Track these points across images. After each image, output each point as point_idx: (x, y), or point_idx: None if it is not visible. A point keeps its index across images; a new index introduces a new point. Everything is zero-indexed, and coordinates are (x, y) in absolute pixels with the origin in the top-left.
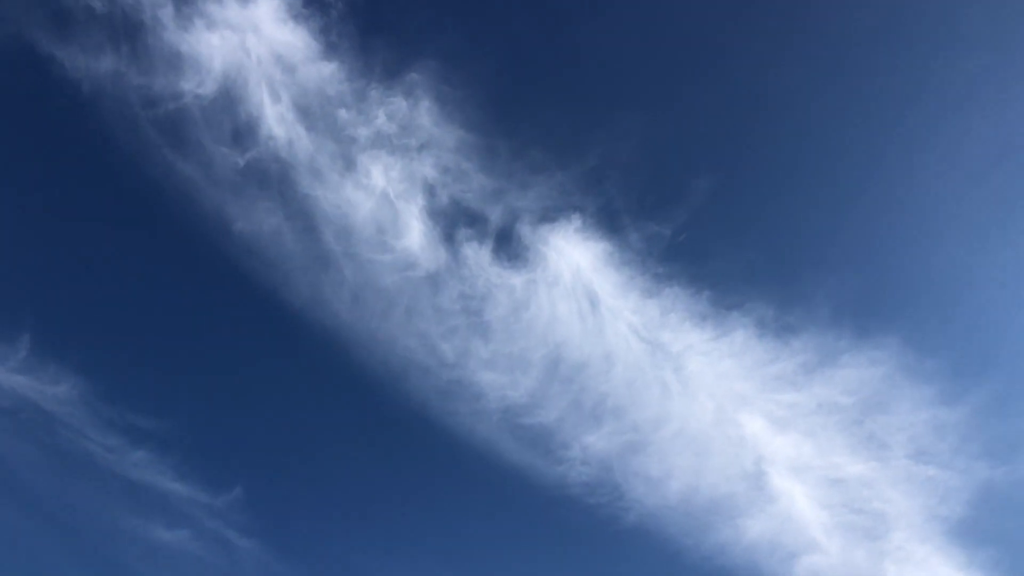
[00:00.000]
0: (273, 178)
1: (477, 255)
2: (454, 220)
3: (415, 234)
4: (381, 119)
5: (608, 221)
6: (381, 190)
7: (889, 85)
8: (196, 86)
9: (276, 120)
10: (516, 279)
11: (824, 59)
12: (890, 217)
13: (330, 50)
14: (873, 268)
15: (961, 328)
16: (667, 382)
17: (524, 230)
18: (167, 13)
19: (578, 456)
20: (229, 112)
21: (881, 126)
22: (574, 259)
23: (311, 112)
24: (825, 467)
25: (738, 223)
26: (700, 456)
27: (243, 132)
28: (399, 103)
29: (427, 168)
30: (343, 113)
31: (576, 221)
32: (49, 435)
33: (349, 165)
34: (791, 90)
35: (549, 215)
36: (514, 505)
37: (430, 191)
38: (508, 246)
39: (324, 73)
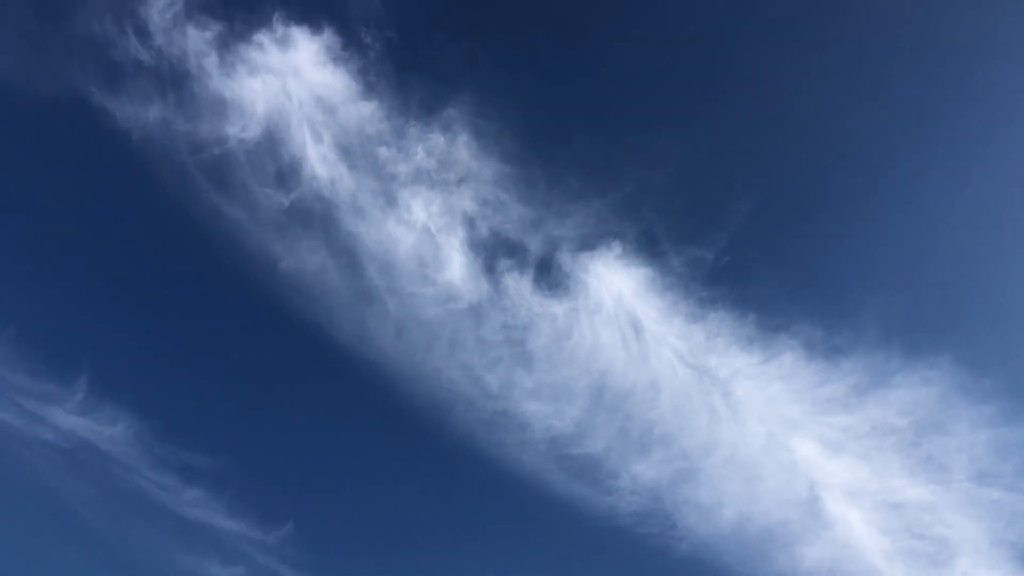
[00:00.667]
0: (317, 217)
1: (518, 285)
2: (494, 251)
3: (456, 267)
4: (420, 155)
5: (648, 246)
6: (422, 224)
7: (934, 95)
8: (240, 130)
9: (318, 160)
10: (558, 308)
11: (863, 72)
12: (937, 230)
13: (369, 90)
14: (921, 284)
15: (1018, 343)
16: (715, 408)
17: (564, 258)
18: (211, 61)
19: (627, 486)
20: (273, 154)
21: (927, 137)
22: (616, 286)
23: (352, 151)
24: (883, 491)
25: (780, 244)
26: (752, 482)
27: (287, 173)
28: (437, 138)
29: (466, 201)
30: (383, 151)
31: (616, 248)
32: (106, 474)
33: (390, 201)
34: (828, 106)
35: (589, 243)
36: (564, 536)
37: (470, 223)
38: (549, 275)
39: (364, 113)
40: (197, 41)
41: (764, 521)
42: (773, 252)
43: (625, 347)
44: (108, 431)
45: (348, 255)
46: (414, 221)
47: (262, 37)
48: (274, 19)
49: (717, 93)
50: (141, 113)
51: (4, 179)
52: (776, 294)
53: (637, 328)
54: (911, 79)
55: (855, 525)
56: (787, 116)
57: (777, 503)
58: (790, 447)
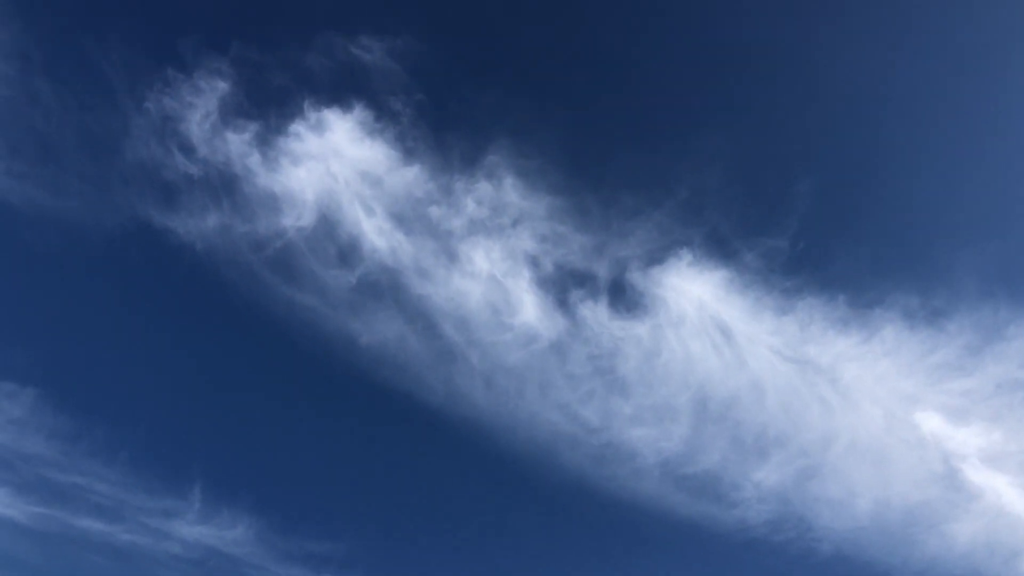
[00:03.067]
0: (385, 287)
1: (595, 313)
2: (563, 284)
3: (529, 307)
4: (471, 206)
5: (719, 247)
6: (487, 273)
7: (1003, 31)
8: (296, 220)
9: (375, 232)
10: (640, 328)
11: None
12: (1020, 173)
13: (409, 155)
14: (1013, 229)
15: None
16: (825, 397)
17: (635, 277)
18: (255, 160)
19: (752, 495)
20: (331, 236)
21: (992, 76)
22: (694, 294)
23: (405, 217)
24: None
25: (854, 216)
26: (882, 467)
27: (348, 251)
28: (484, 187)
29: (525, 241)
30: (435, 210)
31: (686, 256)
32: None
33: (452, 257)
34: (875, 64)
35: (656, 256)
36: (696, 559)
37: (533, 262)
38: (624, 297)
39: (408, 178)
40: (238, 144)
41: (903, 504)
42: (848, 226)
43: (718, 354)
44: (230, 535)
45: (422, 318)
46: (478, 271)
47: (297, 127)
48: (305, 107)
49: (753, 80)
50: (200, 224)
51: (89, 313)
52: (862, 269)
53: (726, 332)
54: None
55: (1003, 492)
56: (832, 85)
57: (913, 483)
58: (913, 423)
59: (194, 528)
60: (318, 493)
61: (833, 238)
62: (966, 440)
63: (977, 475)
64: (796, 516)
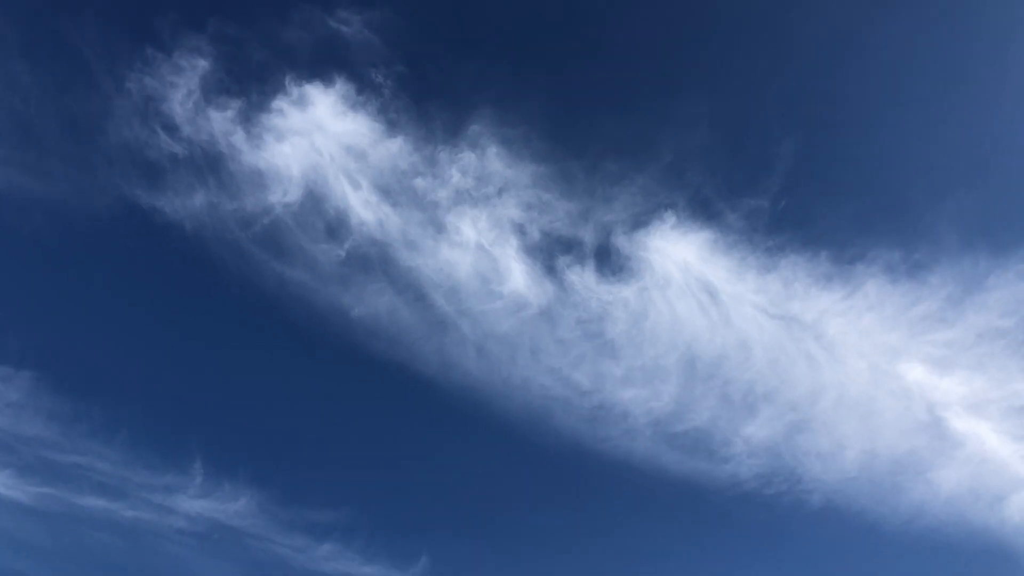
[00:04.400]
0: (374, 260)
1: (582, 278)
2: (550, 251)
3: (518, 275)
4: (456, 177)
5: (702, 209)
6: (475, 243)
7: None
8: (282, 196)
9: (362, 206)
10: (627, 291)
11: None
12: (992, 123)
13: (392, 127)
14: (992, 178)
15: None
16: (811, 353)
17: (621, 241)
18: (239, 138)
19: (743, 450)
20: (318, 211)
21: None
22: (679, 256)
23: (391, 189)
24: (1006, 397)
25: (835, 173)
26: (868, 418)
27: (335, 226)
28: (468, 157)
29: (511, 209)
30: (420, 181)
31: (670, 218)
32: (242, 549)
33: (439, 228)
34: (855, 27)
35: (641, 220)
36: (690, 515)
37: (520, 230)
38: (610, 261)
39: (392, 150)
40: (221, 122)
41: (890, 454)
42: (829, 184)
43: (704, 314)
44: (233, 507)
45: (412, 289)
46: (466, 241)
47: (280, 103)
48: (286, 82)
49: (732, 41)
50: (188, 203)
51: (81, 295)
52: (843, 225)
53: (711, 292)
54: None
55: (986, 438)
56: (811, 44)
57: (899, 433)
58: (898, 374)
59: (196, 502)
60: (317, 464)
61: (815, 196)
62: (949, 389)
63: (961, 423)
64: (786, 469)
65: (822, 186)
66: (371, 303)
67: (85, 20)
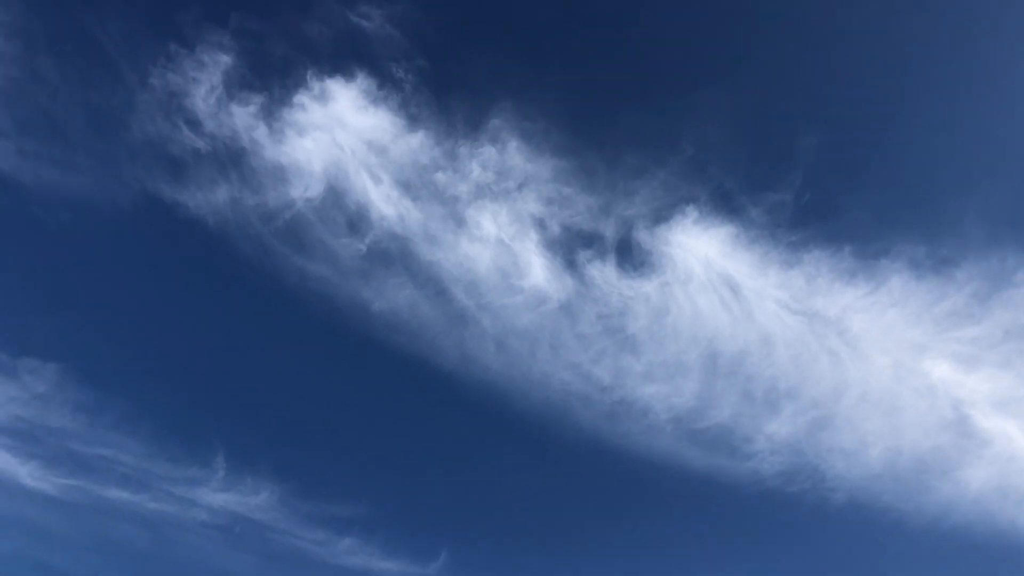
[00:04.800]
0: (395, 255)
1: (603, 273)
2: (571, 246)
3: (538, 269)
4: (476, 171)
5: (724, 203)
6: (495, 237)
7: None
8: (304, 191)
9: (383, 200)
10: (648, 286)
11: None
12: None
13: (413, 122)
14: (1020, 173)
15: None
16: (834, 349)
17: (642, 236)
18: (261, 133)
19: (765, 447)
20: (339, 206)
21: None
22: (700, 251)
23: (412, 184)
24: None
25: (859, 167)
26: (892, 416)
27: (356, 220)
28: (488, 151)
29: (531, 204)
30: (440, 176)
31: (691, 213)
32: (263, 542)
33: (459, 223)
34: (880, 18)
35: (662, 214)
36: (712, 512)
37: (540, 225)
38: (631, 256)
39: (413, 144)
40: (243, 117)
41: (915, 452)
42: (853, 178)
43: (726, 309)
44: (254, 501)
45: (433, 284)
46: (486, 236)
47: (301, 97)
48: (308, 77)
49: (754, 33)
50: (210, 197)
51: (106, 288)
52: (867, 220)
53: (734, 288)
54: None
55: (1014, 436)
56: (835, 36)
57: (924, 431)
58: (923, 371)
59: (219, 495)
60: (338, 458)
61: (838, 190)
62: (976, 387)
63: (987, 421)
64: (810, 467)
65: (846, 180)
66: (391, 297)
67: (110, 16)
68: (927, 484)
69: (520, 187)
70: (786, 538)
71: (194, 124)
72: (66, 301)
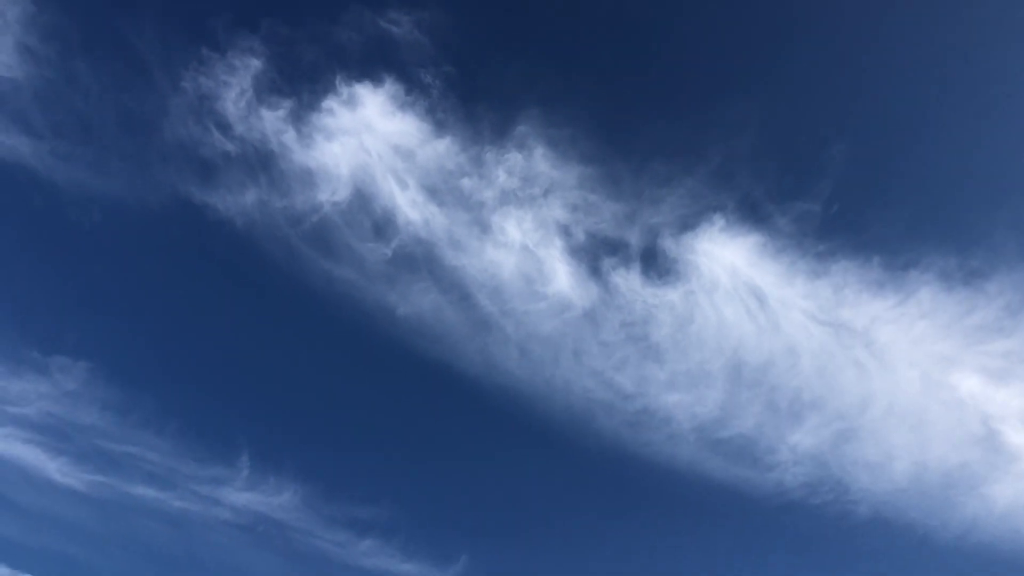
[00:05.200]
0: (420, 259)
1: (627, 281)
2: (596, 253)
3: (562, 276)
4: (502, 177)
5: (751, 212)
6: (520, 243)
7: None
8: (331, 195)
9: (409, 205)
10: (673, 295)
11: None
12: None
13: (440, 127)
14: None
15: None
16: (861, 361)
17: (668, 244)
18: (290, 137)
19: (788, 458)
20: (366, 210)
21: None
22: (727, 259)
23: (438, 189)
24: None
25: (888, 177)
26: (919, 429)
27: (383, 224)
28: (515, 157)
29: (557, 211)
30: (466, 182)
31: (718, 221)
32: (285, 542)
33: (484, 228)
34: (910, 29)
35: (688, 223)
36: (734, 523)
37: (565, 231)
38: (656, 264)
39: (440, 150)
40: (273, 121)
41: (942, 467)
42: (883, 188)
43: (752, 319)
44: (277, 501)
45: (457, 289)
46: (511, 242)
47: (330, 102)
48: (337, 82)
49: (783, 42)
50: (239, 200)
51: (136, 288)
52: (896, 230)
53: (759, 297)
54: None
55: None
56: (864, 46)
57: (951, 445)
58: (951, 385)
59: (242, 495)
60: (361, 460)
61: (867, 200)
62: (1006, 401)
63: (1017, 436)
64: (833, 479)
65: (874, 190)
66: (416, 302)
67: (143, 20)
68: (953, 500)
69: (546, 194)
70: (808, 551)
71: (224, 127)
72: (97, 300)
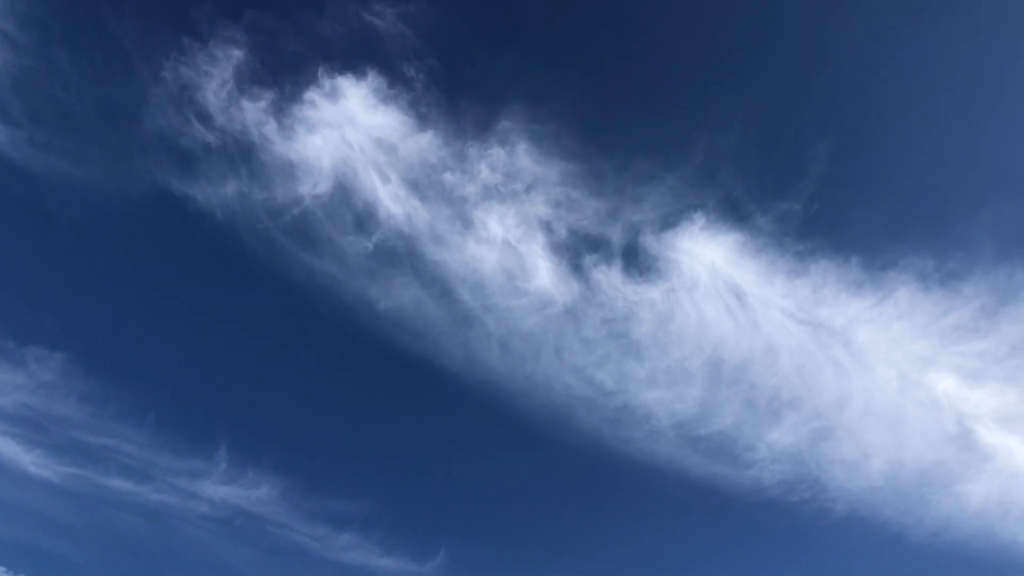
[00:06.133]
0: (401, 254)
1: (608, 278)
2: (577, 249)
3: (544, 272)
4: (485, 172)
5: (732, 211)
6: (501, 239)
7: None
8: (312, 187)
9: (390, 199)
10: (654, 292)
11: None
12: None
13: (423, 121)
14: None
15: None
16: (839, 360)
17: (649, 241)
18: (271, 128)
19: (766, 456)
20: (347, 203)
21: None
22: (707, 258)
23: (420, 183)
24: None
25: (869, 179)
26: (895, 428)
27: (364, 218)
28: (497, 153)
29: (539, 207)
30: (448, 176)
31: (699, 219)
32: (262, 535)
33: (466, 223)
34: (891, 31)
35: (670, 220)
36: (712, 519)
37: (547, 228)
38: (637, 261)
39: (422, 144)
40: (254, 112)
41: (917, 465)
42: (863, 189)
43: (732, 317)
44: (255, 494)
45: (439, 284)
46: (493, 237)
47: (312, 94)
48: (319, 74)
49: (766, 42)
50: (219, 191)
51: (114, 280)
52: (876, 232)
53: (739, 296)
54: None
55: (1017, 452)
56: (845, 44)
57: (927, 444)
58: (927, 384)
59: (220, 488)
60: (340, 454)
61: (847, 201)
62: (980, 401)
63: (991, 436)
64: (810, 477)
65: (855, 191)
66: (397, 296)
67: (124, 8)
68: (928, 497)
69: (528, 189)
70: (785, 547)
71: (205, 118)
72: (74, 291)
